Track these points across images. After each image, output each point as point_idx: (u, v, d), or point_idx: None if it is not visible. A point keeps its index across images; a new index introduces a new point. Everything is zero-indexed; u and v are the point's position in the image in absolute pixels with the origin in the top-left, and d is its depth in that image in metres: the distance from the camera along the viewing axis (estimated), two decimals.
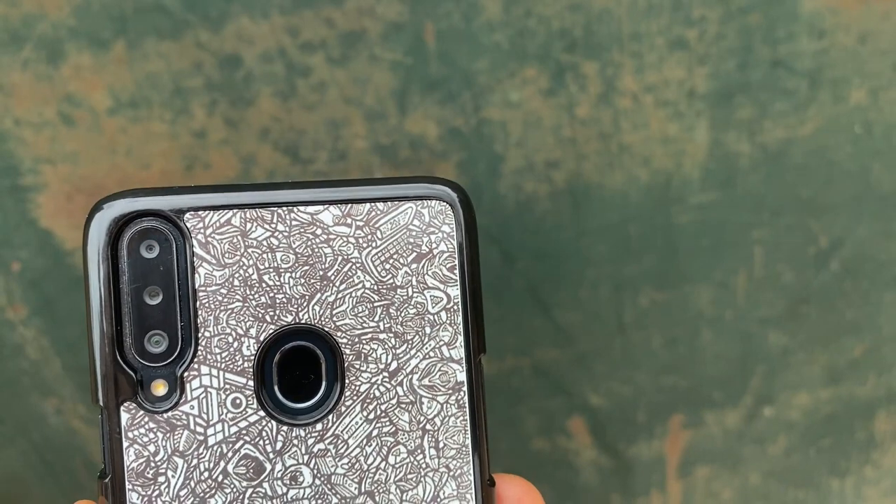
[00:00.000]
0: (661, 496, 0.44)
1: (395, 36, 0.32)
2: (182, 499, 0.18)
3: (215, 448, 0.18)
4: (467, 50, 0.32)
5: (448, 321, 0.19)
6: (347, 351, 0.18)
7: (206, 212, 0.18)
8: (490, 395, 0.21)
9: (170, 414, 0.18)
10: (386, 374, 0.18)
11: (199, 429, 0.18)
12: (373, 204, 0.18)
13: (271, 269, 0.18)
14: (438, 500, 0.18)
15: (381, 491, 0.18)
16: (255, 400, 0.18)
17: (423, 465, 0.18)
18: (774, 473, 0.45)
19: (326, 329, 0.18)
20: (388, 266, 0.18)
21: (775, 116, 0.35)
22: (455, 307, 0.19)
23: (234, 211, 0.18)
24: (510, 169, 0.34)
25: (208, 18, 0.31)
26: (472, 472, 0.19)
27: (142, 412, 0.18)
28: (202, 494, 0.18)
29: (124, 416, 0.18)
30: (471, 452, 0.19)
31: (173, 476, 0.18)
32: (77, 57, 0.31)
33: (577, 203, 0.35)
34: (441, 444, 0.18)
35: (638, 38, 0.32)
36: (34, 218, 0.33)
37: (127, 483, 0.18)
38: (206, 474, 0.18)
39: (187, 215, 0.18)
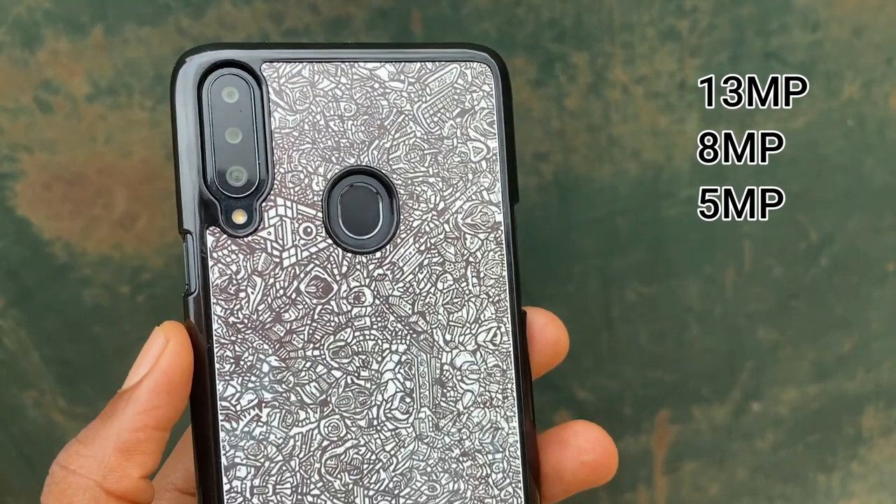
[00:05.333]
0: (648, 491, 0.44)
1: (381, 23, 0.31)
2: (260, 312, 0.20)
3: (289, 269, 0.21)
4: (455, 38, 0.32)
5: (488, 169, 0.21)
6: (402, 191, 0.21)
7: (280, 63, 0.20)
8: None
9: (249, 238, 0.20)
10: (435, 212, 0.21)
11: (275, 252, 0.20)
12: (423, 63, 0.21)
13: (336, 117, 0.21)
14: (480, 321, 0.21)
15: (431, 312, 0.21)
16: (323, 229, 0.21)
17: (467, 292, 0.21)
18: (762, 469, 0.45)
19: (384, 171, 0.21)
20: (436, 119, 0.21)
21: (767, 110, 0.35)
22: (493, 157, 0.21)
23: (304, 63, 0.21)
24: None
25: (189, 4, 0.30)
26: (507, 299, 0.21)
27: (225, 236, 0.20)
28: (278, 309, 0.20)
29: (209, 239, 0.20)
30: (507, 283, 0.22)
31: (252, 293, 0.20)
32: (54, 42, 0.30)
33: (565, 196, 0.35)
34: (482, 275, 0.21)
35: (629, 28, 0.32)
36: (11, 206, 0.33)
37: (212, 297, 0.20)
38: (280, 292, 0.21)
39: (263, 65, 0.20)
